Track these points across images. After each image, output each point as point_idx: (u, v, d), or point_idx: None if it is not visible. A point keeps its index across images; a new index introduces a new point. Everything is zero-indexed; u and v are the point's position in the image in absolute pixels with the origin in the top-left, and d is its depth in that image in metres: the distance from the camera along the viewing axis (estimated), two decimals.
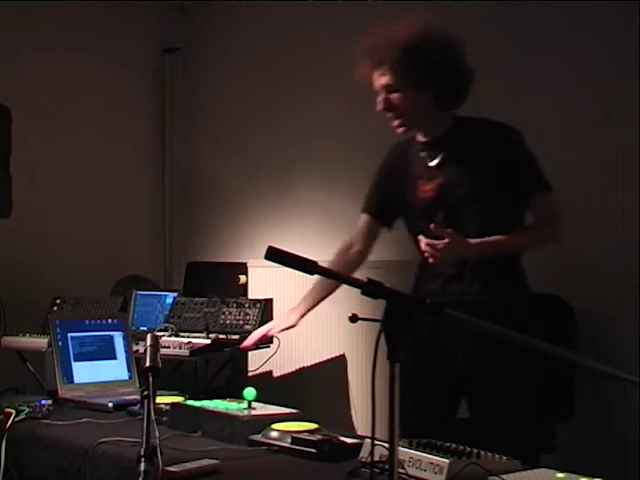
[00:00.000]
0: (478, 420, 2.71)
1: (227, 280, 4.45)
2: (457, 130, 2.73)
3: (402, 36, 2.65)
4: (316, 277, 1.68)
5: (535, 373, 2.71)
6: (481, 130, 2.72)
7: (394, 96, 2.69)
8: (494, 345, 2.51)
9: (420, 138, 2.78)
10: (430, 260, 2.60)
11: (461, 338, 2.66)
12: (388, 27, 2.70)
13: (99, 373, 3.22)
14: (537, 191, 2.68)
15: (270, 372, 4.29)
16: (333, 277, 1.67)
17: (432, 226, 2.57)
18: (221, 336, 3.72)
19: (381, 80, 2.69)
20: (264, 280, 4.40)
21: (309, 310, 3.02)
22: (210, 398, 2.73)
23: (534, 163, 2.70)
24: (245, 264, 4.49)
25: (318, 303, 3.01)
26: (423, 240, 2.59)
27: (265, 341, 3.83)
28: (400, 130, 2.74)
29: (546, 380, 2.95)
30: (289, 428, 2.41)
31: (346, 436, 2.39)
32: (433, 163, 2.74)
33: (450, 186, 2.68)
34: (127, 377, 3.26)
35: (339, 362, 4.17)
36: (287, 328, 3.05)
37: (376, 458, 1.92)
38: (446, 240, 2.54)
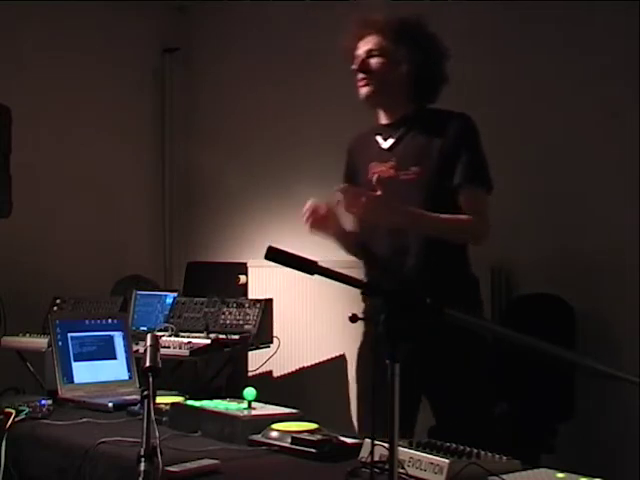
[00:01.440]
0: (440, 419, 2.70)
1: (227, 280, 4.45)
2: (415, 116, 2.75)
3: (397, 15, 2.75)
4: (316, 277, 1.68)
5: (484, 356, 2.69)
6: (437, 117, 2.72)
7: (373, 60, 2.74)
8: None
9: (381, 120, 2.81)
10: (348, 210, 2.61)
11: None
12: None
13: (99, 373, 3.22)
14: (468, 184, 2.64)
15: (270, 372, 4.29)
16: (333, 277, 1.66)
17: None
18: (221, 336, 3.71)
19: (366, 45, 2.75)
20: (264, 280, 4.40)
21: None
22: (210, 398, 2.73)
23: (476, 157, 2.67)
24: (245, 264, 4.49)
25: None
26: (349, 188, 2.60)
27: (266, 340, 3.86)
28: (365, 90, 2.75)
29: (546, 380, 2.96)
30: (289, 428, 2.40)
31: (346, 436, 2.39)
32: (386, 145, 2.77)
33: (400, 168, 2.70)
34: (127, 377, 3.26)
35: (339, 362, 4.17)
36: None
37: (376, 458, 1.92)
38: (376, 193, 2.55)
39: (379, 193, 2.56)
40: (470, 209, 2.64)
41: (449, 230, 2.65)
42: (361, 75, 2.75)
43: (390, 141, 2.76)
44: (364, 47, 2.76)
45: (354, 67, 2.75)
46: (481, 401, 2.68)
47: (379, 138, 2.79)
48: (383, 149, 2.77)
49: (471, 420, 2.57)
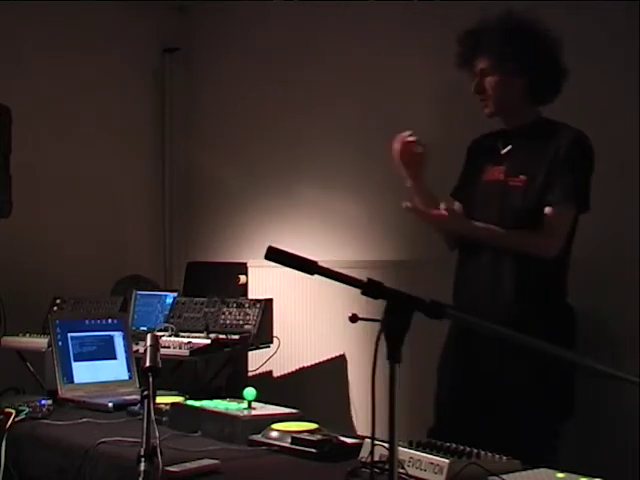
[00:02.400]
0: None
1: (227, 280, 4.45)
2: (534, 125, 2.82)
3: (502, 23, 2.77)
4: (316, 277, 1.68)
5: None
6: (553, 130, 2.78)
7: (488, 79, 2.80)
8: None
9: (503, 125, 2.88)
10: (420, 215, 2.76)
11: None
12: (488, 15, 2.81)
13: (99, 373, 3.22)
14: (557, 202, 2.70)
15: (270, 372, 4.29)
16: (333, 277, 1.66)
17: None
18: (221, 336, 3.72)
19: (479, 64, 2.81)
20: (264, 280, 4.40)
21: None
22: (210, 398, 2.73)
23: (578, 176, 2.72)
24: (245, 264, 4.49)
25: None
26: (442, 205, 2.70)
27: (266, 340, 3.86)
28: (487, 111, 2.84)
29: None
30: (289, 428, 2.41)
31: (346, 436, 2.39)
32: (503, 150, 2.85)
33: (510, 174, 2.78)
34: (127, 377, 3.26)
35: (339, 362, 4.18)
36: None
37: (376, 458, 1.92)
38: (443, 212, 2.66)
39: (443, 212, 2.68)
40: (548, 225, 2.70)
41: (518, 246, 2.73)
42: (480, 97, 2.83)
43: (508, 147, 2.84)
44: (478, 65, 2.81)
45: (473, 91, 2.83)
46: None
47: (499, 143, 2.87)
48: (500, 154, 2.85)
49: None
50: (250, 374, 4.10)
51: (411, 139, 2.86)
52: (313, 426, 2.43)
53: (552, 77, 2.79)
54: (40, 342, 3.76)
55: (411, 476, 2.01)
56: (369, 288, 1.65)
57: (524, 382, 2.70)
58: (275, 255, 1.67)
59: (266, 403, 2.65)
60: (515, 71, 2.76)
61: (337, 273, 1.68)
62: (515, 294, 2.73)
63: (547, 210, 2.71)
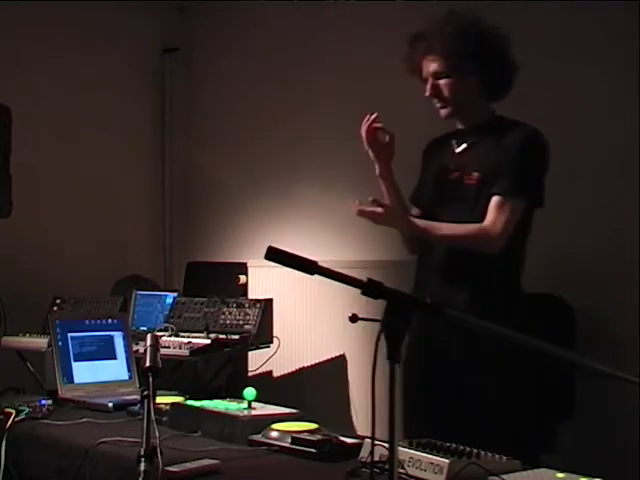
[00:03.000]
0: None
1: (227, 280, 4.45)
2: (489, 123, 2.82)
3: (452, 24, 2.75)
4: (316, 277, 1.68)
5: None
6: (508, 127, 2.77)
7: (442, 82, 2.79)
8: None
9: (458, 126, 2.88)
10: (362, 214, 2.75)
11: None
12: (437, 18, 2.80)
13: (99, 373, 3.22)
14: (501, 193, 2.68)
15: (270, 372, 4.29)
16: (333, 277, 1.66)
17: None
18: (221, 336, 3.72)
19: (431, 67, 2.79)
20: (264, 280, 4.40)
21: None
22: (210, 398, 2.73)
23: (526, 170, 2.70)
24: (245, 264, 4.49)
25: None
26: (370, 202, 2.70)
27: (266, 340, 3.86)
28: (443, 113, 2.83)
29: (546, 380, 2.96)
30: (289, 428, 2.41)
31: (346, 436, 2.39)
32: (458, 150, 2.84)
33: (464, 173, 2.77)
34: (127, 377, 3.26)
35: (339, 362, 4.18)
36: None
37: (376, 458, 1.92)
38: (381, 209, 2.66)
39: (381, 209, 2.67)
40: (490, 218, 2.68)
41: (459, 240, 2.71)
42: (435, 100, 2.82)
43: (463, 146, 2.83)
44: (429, 68, 2.79)
45: (427, 94, 2.81)
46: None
47: (454, 142, 2.87)
48: (455, 153, 2.85)
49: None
50: (250, 374, 4.10)
51: (376, 125, 2.85)
52: (313, 426, 2.43)
53: (504, 73, 2.78)
54: (40, 342, 3.76)
55: (411, 476, 2.00)
56: (369, 288, 1.65)
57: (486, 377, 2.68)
58: (275, 255, 1.67)
59: (266, 403, 2.65)
60: (469, 71, 2.74)
61: (337, 273, 1.68)
62: (468, 294, 2.70)
63: (491, 202, 2.69)
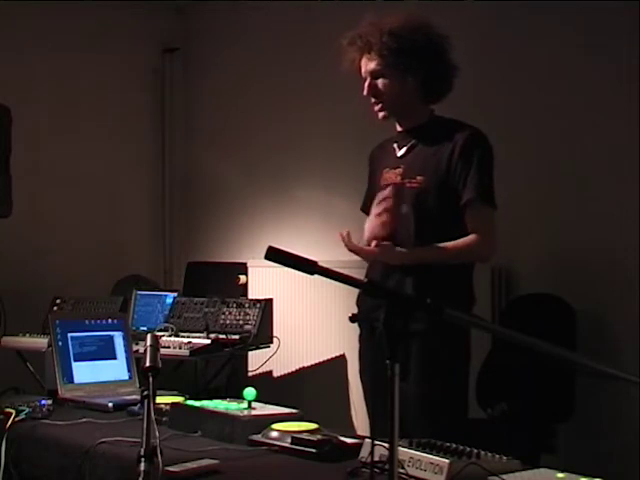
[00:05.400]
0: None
1: (227, 280, 4.45)
2: (429, 124, 2.78)
3: (390, 23, 2.71)
4: (316, 277, 1.68)
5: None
6: (448, 128, 2.74)
7: (380, 82, 2.76)
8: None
9: (398, 128, 2.84)
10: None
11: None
12: (376, 16, 2.77)
13: (99, 373, 3.22)
14: (474, 202, 2.66)
15: (270, 372, 4.29)
16: (333, 277, 1.66)
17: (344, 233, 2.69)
18: (221, 336, 3.72)
19: (368, 66, 2.76)
20: (264, 280, 4.40)
21: None
22: (210, 398, 2.73)
23: (484, 173, 2.69)
24: (245, 264, 4.49)
25: None
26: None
27: (266, 340, 3.85)
28: (381, 115, 2.79)
29: (546, 380, 2.96)
30: (289, 428, 2.40)
31: (346, 436, 2.39)
32: (399, 153, 2.81)
33: (406, 176, 2.74)
34: (127, 377, 3.26)
35: (339, 362, 4.17)
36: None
37: (376, 458, 1.92)
38: (377, 249, 2.64)
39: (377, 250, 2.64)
40: (477, 228, 2.67)
41: (456, 257, 2.68)
42: (372, 100, 2.79)
43: (403, 149, 2.80)
44: (366, 67, 2.77)
45: (364, 93, 2.78)
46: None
47: (395, 146, 2.83)
48: (397, 157, 2.81)
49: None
50: (250, 374, 4.10)
51: (346, 241, 2.77)
52: (313, 426, 2.43)
53: (443, 74, 2.75)
54: (40, 342, 3.76)
55: (411, 476, 2.00)
56: (369, 288, 1.65)
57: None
58: (275, 255, 1.67)
59: (266, 403, 2.65)
60: (407, 71, 2.71)
61: (337, 273, 1.68)
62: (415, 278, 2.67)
63: (468, 214, 2.67)
